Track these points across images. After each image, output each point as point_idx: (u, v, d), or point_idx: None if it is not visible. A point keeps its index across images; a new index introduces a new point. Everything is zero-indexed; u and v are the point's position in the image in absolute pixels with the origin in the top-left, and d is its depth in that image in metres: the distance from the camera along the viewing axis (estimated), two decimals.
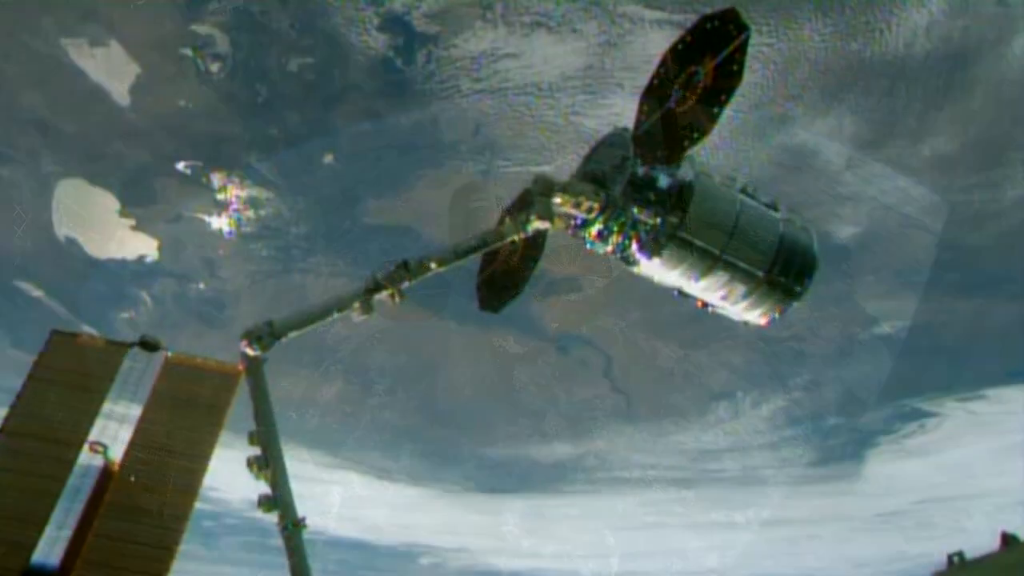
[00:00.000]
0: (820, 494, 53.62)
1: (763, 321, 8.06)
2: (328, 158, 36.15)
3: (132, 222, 39.35)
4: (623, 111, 34.43)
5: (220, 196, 37.95)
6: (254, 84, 33.76)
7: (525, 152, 35.51)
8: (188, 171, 37.28)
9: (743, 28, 6.93)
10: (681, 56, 7.54)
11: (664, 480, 53.66)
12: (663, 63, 7.73)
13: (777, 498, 53.99)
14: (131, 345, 22.78)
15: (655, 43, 32.32)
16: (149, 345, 22.85)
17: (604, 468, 53.10)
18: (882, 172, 36.02)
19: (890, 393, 47.26)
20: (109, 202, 38.58)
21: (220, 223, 39.05)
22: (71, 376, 22.14)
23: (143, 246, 40.30)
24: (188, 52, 32.95)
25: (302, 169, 36.52)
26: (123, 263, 40.88)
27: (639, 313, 41.99)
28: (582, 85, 33.40)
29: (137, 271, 41.27)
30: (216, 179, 37.38)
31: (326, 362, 44.08)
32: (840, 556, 55.52)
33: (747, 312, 8.00)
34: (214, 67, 33.49)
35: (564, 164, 36.06)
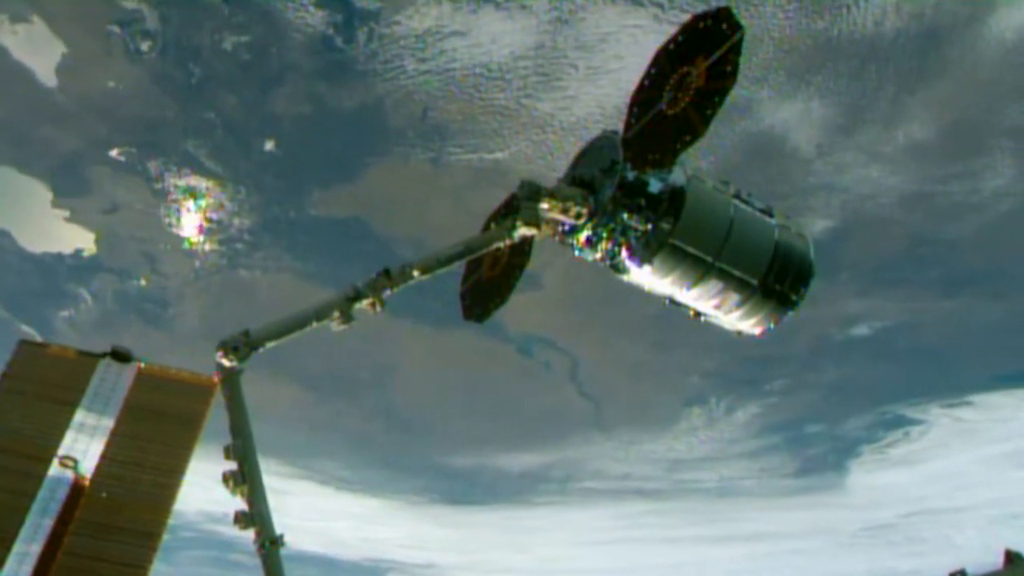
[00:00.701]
0: (802, 506, 52.11)
1: (757, 331, 7.98)
2: (269, 145, 34.64)
3: (66, 213, 37.73)
4: (578, 94, 33.05)
5: (157, 186, 36.35)
6: (187, 64, 32.38)
7: (476, 138, 34.06)
8: (122, 158, 35.71)
9: (737, 27, 6.72)
10: (672, 56, 7.35)
11: (638, 491, 51.92)
12: (654, 64, 7.60)
13: (757, 511, 52.33)
14: (103, 356, 22.36)
15: (609, 20, 30.97)
16: (121, 356, 22.37)
17: (574, 478, 51.47)
18: (855, 160, 34.49)
19: (871, 399, 45.84)
20: (40, 192, 36.95)
21: (189, 225, 37.30)
22: (40, 388, 21.80)
23: (79, 239, 38.65)
24: (116, 29, 31.46)
25: (242, 156, 35.00)
26: (59, 257, 39.25)
27: (604, 312, 40.32)
28: (534, 66, 31.98)
29: (74, 266, 39.64)
30: (152, 167, 35.79)
31: (278, 366, 42.34)
32: (826, 572, 53.96)
33: (741, 321, 7.88)
34: (144, 45, 32.04)
35: (518, 151, 34.64)
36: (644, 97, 7.45)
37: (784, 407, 45.93)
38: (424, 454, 50.45)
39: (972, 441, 47.08)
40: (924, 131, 33.42)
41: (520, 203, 7.31)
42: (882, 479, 49.53)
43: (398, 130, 34.04)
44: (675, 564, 54.56)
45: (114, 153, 35.48)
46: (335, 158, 34.74)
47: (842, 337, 42.01)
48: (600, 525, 53.15)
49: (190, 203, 36.71)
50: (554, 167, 35.01)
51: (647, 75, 7.50)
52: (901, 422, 46.58)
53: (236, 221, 37.47)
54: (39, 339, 36.03)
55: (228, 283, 40.35)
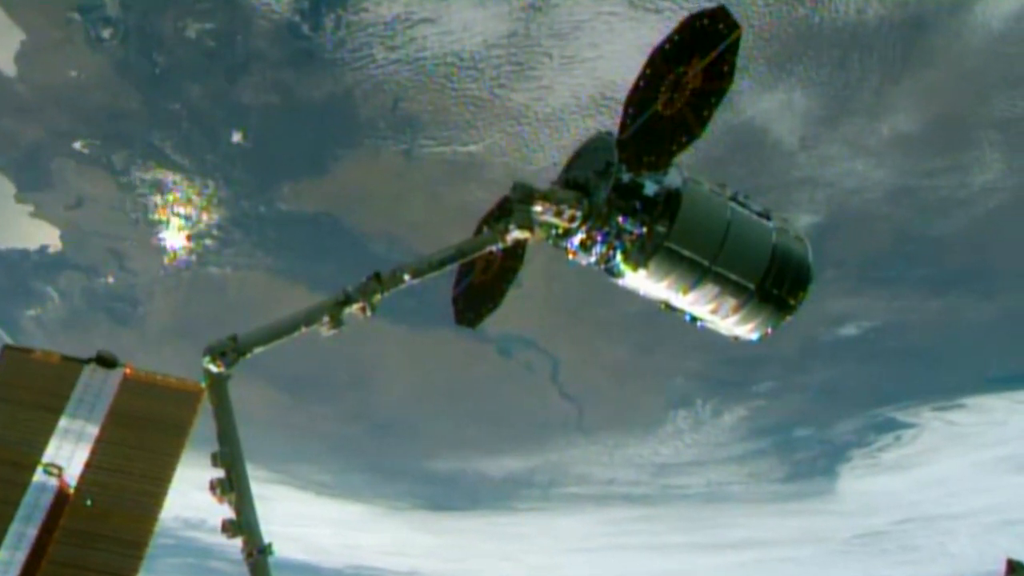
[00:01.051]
0: (792, 513, 51.24)
1: (754, 336, 7.93)
2: (237, 136, 33.80)
3: (30, 208, 36.90)
4: (553, 84, 32.27)
5: (123, 179, 35.52)
6: (150, 52, 31.57)
7: (449, 130, 33.26)
8: (86, 151, 34.87)
9: (734, 26, 6.67)
10: (668, 57, 7.33)
11: (624, 497, 50.94)
12: (649, 64, 7.57)
13: (746, 517, 51.40)
14: (87, 361, 22.46)
15: (583, 7, 30.22)
16: (106, 361, 22.46)
17: (558, 483, 50.53)
18: (839, 153, 33.65)
19: (860, 401, 44.93)
20: (3, 185, 36.14)
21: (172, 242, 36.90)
22: (25, 394, 21.76)
23: (44, 235, 37.80)
24: (76, 16, 30.65)
25: (209, 148, 34.17)
26: (24, 254, 38.40)
27: (585, 311, 39.42)
28: (506, 54, 31.18)
29: (40, 263, 38.78)
30: (117, 160, 34.96)
31: (252, 367, 41.37)
32: None
33: (738, 326, 7.82)
34: (105, 32, 31.25)
35: (492, 144, 33.84)
36: (639, 98, 7.42)
37: (771, 410, 45.06)
38: (405, 458, 49.56)
39: (965, 445, 46.27)
40: (909, 123, 32.67)
41: (513, 206, 7.22)
42: (873, 485, 48.68)
43: (369, 121, 33.25)
44: (663, 572, 53.61)
45: (78, 145, 34.70)
46: (304, 150, 33.96)
47: (830, 337, 41.12)
48: (586, 532, 52.22)
49: (173, 216, 36.03)
50: (530, 160, 34.24)
51: (642, 75, 7.46)
52: (892, 425, 45.73)
53: (205, 216, 36.62)
54: (7, 339, 35.27)
55: (198, 281, 39.52)
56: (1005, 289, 38.18)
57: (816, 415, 45.33)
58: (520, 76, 31.62)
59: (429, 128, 33.21)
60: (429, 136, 33.39)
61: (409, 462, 49.56)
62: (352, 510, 51.47)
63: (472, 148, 33.48)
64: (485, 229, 7.74)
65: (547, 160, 33.56)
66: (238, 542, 6.14)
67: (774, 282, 7.42)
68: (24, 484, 20.66)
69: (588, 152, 7.83)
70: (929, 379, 43.47)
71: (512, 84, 31.75)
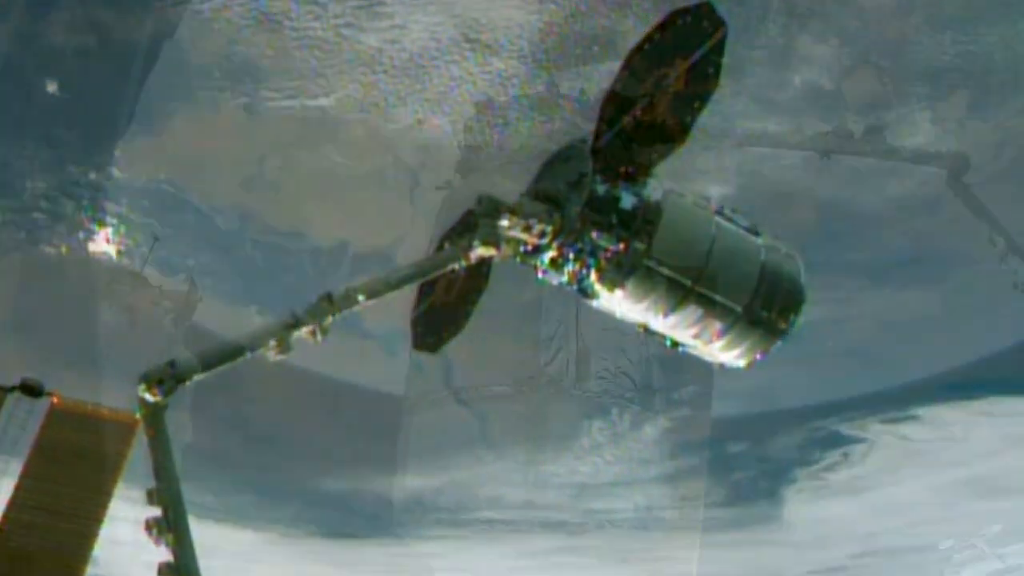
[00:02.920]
0: (737, 544, 47.20)
1: (742, 363, 7.79)
2: (52, 86, 30.14)
3: None
4: (407, 22, 28.89)
5: None
6: None
7: (294, 79, 29.76)
8: None
9: (718, 24, 6.71)
10: (648, 57, 7.08)
11: (544, 524, 46.71)
12: (627, 65, 7.33)
13: (685, 548, 47.11)
14: (10, 389, 20.48)
15: None
16: (32, 389, 20.52)
17: (468, 507, 46.24)
18: (746, 110, 30.07)
19: (799, 411, 41.07)
20: None
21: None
22: None
23: None
24: None
25: (21, 100, 30.46)
26: None
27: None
28: None
29: None
30: None
31: (99, 369, 37.35)
32: None
33: (723, 352, 7.64)
34: None
35: (345, 96, 30.33)
36: (616, 102, 7.18)
37: (698, 421, 40.91)
38: (291, 475, 45.30)
39: (922, 465, 42.68)
40: (821, 73, 29.23)
41: (478, 220, 6.89)
42: (825, 511, 44.94)
43: (201, 69, 29.74)
44: None
45: None
46: (132, 103, 30.26)
47: None
48: (507, 565, 48.05)
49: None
50: (392, 118, 30.69)
51: (619, 78, 7.29)
52: (838, 440, 42.11)
53: (28, 184, 32.75)
54: None
55: (30, 265, 35.52)
56: (950, 277, 34.53)
57: (750, 427, 41.35)
58: (369, 13, 28.24)
59: (272, 77, 29.75)
60: (272, 87, 29.90)
61: (297, 480, 45.30)
62: (241, 538, 47.09)
63: (323, 102, 29.96)
64: (447, 245, 7.48)
65: (409, 116, 30.02)
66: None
67: (763, 304, 7.21)
68: None
69: (560, 161, 7.58)
70: (875, 385, 39.64)
71: (360, 23, 28.36)
